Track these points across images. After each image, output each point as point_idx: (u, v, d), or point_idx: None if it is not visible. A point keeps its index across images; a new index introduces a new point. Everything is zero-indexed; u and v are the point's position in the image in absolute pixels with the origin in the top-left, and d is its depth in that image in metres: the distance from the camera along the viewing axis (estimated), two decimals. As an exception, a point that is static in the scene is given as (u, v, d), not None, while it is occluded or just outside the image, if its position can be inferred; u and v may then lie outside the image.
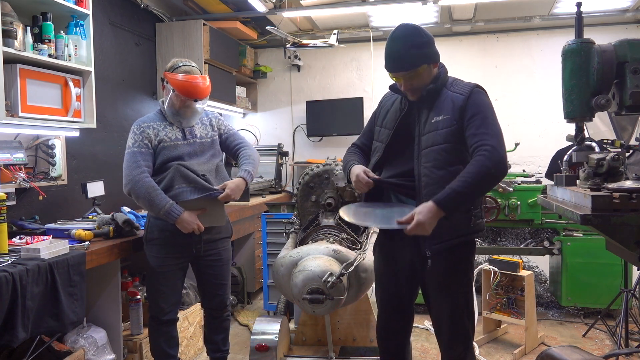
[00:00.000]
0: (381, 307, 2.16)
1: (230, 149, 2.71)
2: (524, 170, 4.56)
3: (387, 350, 2.18)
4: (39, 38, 2.53)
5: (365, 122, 5.80)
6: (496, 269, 3.43)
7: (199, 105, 2.53)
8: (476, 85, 1.94)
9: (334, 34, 4.69)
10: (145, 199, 2.37)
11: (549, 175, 3.49)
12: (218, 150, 2.66)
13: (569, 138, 2.16)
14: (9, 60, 2.37)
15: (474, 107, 1.88)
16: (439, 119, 1.90)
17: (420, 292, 2.14)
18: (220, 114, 3.16)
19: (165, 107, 2.54)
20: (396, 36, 1.88)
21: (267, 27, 4.53)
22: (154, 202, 2.36)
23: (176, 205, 2.39)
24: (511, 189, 3.85)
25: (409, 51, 1.87)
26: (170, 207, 2.37)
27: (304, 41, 4.82)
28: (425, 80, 1.93)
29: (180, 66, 2.50)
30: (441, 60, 1.99)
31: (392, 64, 1.91)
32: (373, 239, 2.50)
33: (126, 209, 2.98)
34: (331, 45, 4.75)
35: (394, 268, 2.08)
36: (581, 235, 3.85)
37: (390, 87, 2.10)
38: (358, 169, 2.02)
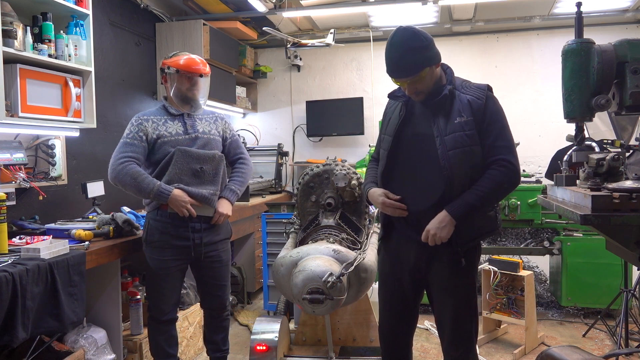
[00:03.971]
0: (385, 308, 2.16)
1: (230, 157, 2.75)
2: (524, 170, 4.55)
3: (390, 352, 2.18)
4: (39, 38, 2.53)
5: (365, 122, 5.82)
6: (496, 269, 3.43)
7: (201, 99, 2.58)
8: (488, 89, 1.98)
9: (331, 33, 4.70)
10: (132, 185, 2.38)
11: (549, 175, 3.49)
12: (219, 148, 2.66)
13: (569, 138, 2.16)
14: (9, 60, 2.37)
15: (492, 114, 1.92)
16: (463, 121, 1.90)
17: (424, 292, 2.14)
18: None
19: (172, 95, 2.57)
20: (395, 42, 1.86)
21: (265, 28, 4.54)
22: (141, 186, 2.38)
23: (165, 184, 2.41)
24: (511, 189, 3.85)
25: (410, 57, 1.85)
26: (159, 187, 2.39)
27: (303, 41, 4.82)
28: (428, 83, 1.92)
29: (177, 53, 2.61)
30: (441, 61, 1.98)
31: (395, 71, 1.90)
32: (373, 239, 2.50)
33: (126, 209, 2.97)
34: (328, 45, 4.76)
35: (399, 269, 2.08)
36: (581, 235, 3.85)
37: (389, 95, 2.10)
38: (379, 197, 2.01)
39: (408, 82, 1.90)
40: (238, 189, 2.67)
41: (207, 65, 2.62)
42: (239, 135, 2.91)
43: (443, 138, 1.91)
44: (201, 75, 2.55)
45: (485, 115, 1.91)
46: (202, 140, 2.57)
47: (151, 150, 2.51)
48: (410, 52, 1.85)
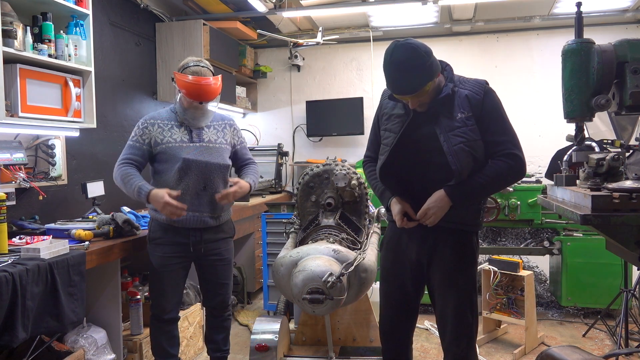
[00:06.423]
0: (386, 305, 2.17)
1: (239, 163, 2.75)
2: (523, 170, 4.55)
3: (390, 349, 2.18)
4: (39, 38, 2.53)
5: (365, 122, 5.80)
6: (496, 269, 3.43)
7: (210, 107, 2.54)
8: (486, 83, 1.99)
9: (320, 31, 4.71)
10: (121, 184, 2.48)
11: (549, 175, 3.49)
12: (225, 158, 2.63)
13: (569, 138, 2.16)
14: (9, 60, 2.37)
15: (491, 110, 1.94)
16: (464, 116, 1.92)
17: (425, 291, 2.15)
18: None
19: (176, 107, 2.55)
20: (395, 60, 1.80)
21: (259, 31, 4.56)
22: (126, 186, 2.45)
23: (146, 184, 2.42)
24: (511, 189, 3.84)
25: (412, 76, 1.81)
26: (140, 186, 2.40)
27: (300, 41, 4.85)
28: (431, 94, 1.91)
29: (190, 66, 2.47)
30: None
31: (397, 89, 1.87)
32: (374, 238, 2.50)
33: (126, 209, 2.98)
34: (318, 43, 4.77)
35: (401, 266, 2.09)
36: (581, 235, 3.85)
37: (389, 97, 2.06)
38: (397, 214, 2.03)
39: (411, 97, 1.88)
40: (254, 182, 2.67)
41: (217, 81, 2.50)
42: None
43: (447, 134, 1.91)
44: (201, 102, 2.46)
45: (483, 110, 1.92)
46: (206, 150, 2.54)
47: (155, 154, 2.52)
48: (412, 71, 1.80)
